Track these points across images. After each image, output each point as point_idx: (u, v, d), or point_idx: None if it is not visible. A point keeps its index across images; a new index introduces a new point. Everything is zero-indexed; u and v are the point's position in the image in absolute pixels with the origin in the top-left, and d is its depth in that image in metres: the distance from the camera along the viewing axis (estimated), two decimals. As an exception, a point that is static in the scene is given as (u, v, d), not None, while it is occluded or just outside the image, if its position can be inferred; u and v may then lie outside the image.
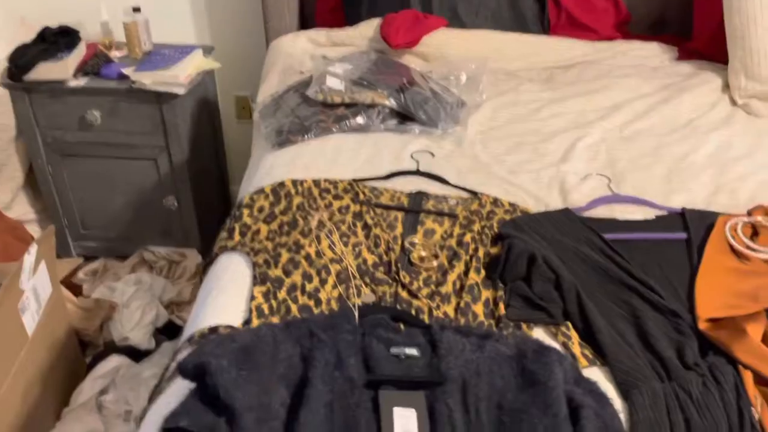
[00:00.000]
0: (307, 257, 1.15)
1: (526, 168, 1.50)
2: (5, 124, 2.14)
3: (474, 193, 1.38)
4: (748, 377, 0.93)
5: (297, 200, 1.31)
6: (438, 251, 1.20)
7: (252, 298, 1.06)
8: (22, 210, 2.34)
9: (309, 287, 1.09)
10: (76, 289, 2.27)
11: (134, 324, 2.03)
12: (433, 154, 1.54)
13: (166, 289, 2.20)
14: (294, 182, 1.37)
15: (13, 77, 2.03)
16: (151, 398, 0.96)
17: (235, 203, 1.36)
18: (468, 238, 1.22)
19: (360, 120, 1.60)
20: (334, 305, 1.06)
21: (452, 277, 1.14)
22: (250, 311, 1.03)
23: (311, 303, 1.06)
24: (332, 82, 1.62)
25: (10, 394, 1.50)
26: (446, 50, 1.89)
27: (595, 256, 1.18)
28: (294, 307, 1.05)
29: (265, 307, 1.04)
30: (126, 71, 2.05)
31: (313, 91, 1.61)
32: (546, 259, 1.11)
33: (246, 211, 1.30)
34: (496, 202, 1.35)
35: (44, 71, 2.01)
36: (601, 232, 1.24)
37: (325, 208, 1.29)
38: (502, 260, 1.13)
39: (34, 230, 2.37)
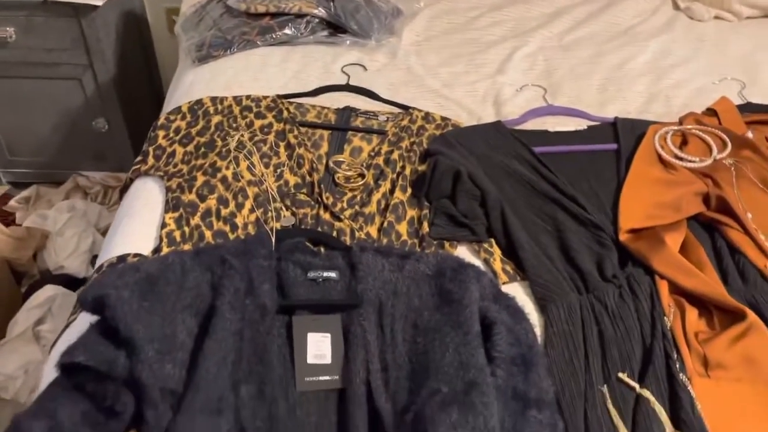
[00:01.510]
0: (224, 180, 1.09)
1: (462, 80, 1.45)
2: None
3: (405, 108, 1.33)
4: (663, 287, 0.94)
5: (216, 119, 1.24)
6: (364, 170, 1.16)
7: (163, 225, 1.01)
8: (-58, 136, 2.20)
9: (225, 212, 1.04)
10: (8, 217, 2.19)
11: (70, 252, 1.97)
12: (365, 68, 1.46)
13: (101, 215, 2.13)
14: (213, 100, 1.28)
15: None
16: (61, 333, 0.92)
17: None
18: (396, 155, 1.18)
19: (287, 31, 1.50)
20: (251, 230, 1.02)
21: (377, 196, 1.10)
22: (161, 239, 0.98)
23: (227, 228, 1.02)
24: (256, -10, 1.50)
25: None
26: (382, -48, 1.77)
27: (523, 170, 1.15)
28: (208, 234, 1.00)
29: (177, 234, 1.00)
30: (37, -19, 1.88)
31: (235, 0, 1.49)
32: (472, 175, 1.08)
33: (161, 133, 1.22)
34: (427, 117, 1.30)
35: (-57, -18, 1.83)
36: (531, 145, 1.20)
37: (246, 128, 1.22)
38: (427, 178, 1.10)
39: (-43, 158, 2.24)
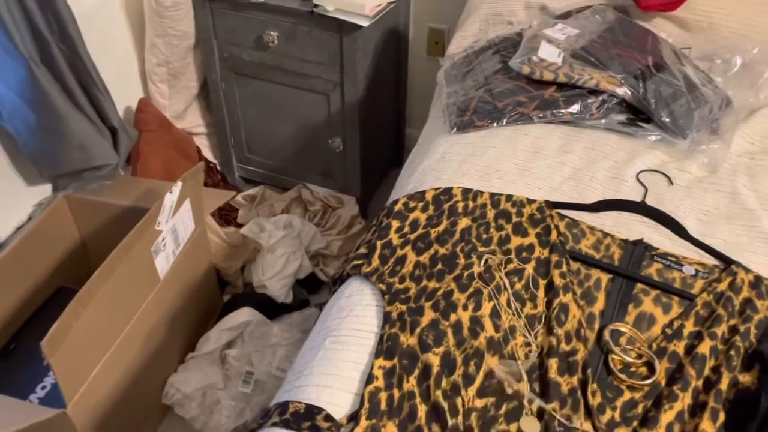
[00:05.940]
0: (457, 327, 0.81)
1: (815, 230, 1.00)
2: (185, 31, 2.01)
3: (725, 261, 0.93)
4: None
5: (463, 223, 0.96)
6: (654, 357, 0.80)
7: (370, 377, 0.76)
8: (195, 121, 2.27)
9: (446, 382, 0.76)
10: (232, 214, 2.19)
11: (275, 272, 1.89)
12: (670, 180, 1.08)
13: (315, 238, 2.02)
14: (465, 194, 1.01)
15: (195, -16, 1.86)
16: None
17: (393, 189, 1.05)
18: (706, 347, 0.80)
19: (573, 109, 1.17)
20: (475, 424, 0.73)
21: (669, 415, 0.74)
22: (362, 400, 0.74)
23: (445, 405, 0.74)
24: (547, 52, 1.19)
25: (132, 336, 1.41)
26: (718, 20, 1.34)
27: None
28: (421, 410, 0.73)
29: (383, 399, 0.74)
30: (310, -8, 1.78)
31: (518, 61, 1.20)
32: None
33: (395, 224, 0.98)
34: (757, 284, 0.89)
35: (225, -20, 1.81)
36: None
37: (498, 246, 0.93)
38: (760, 413, 0.71)
39: (202, 143, 2.30)
